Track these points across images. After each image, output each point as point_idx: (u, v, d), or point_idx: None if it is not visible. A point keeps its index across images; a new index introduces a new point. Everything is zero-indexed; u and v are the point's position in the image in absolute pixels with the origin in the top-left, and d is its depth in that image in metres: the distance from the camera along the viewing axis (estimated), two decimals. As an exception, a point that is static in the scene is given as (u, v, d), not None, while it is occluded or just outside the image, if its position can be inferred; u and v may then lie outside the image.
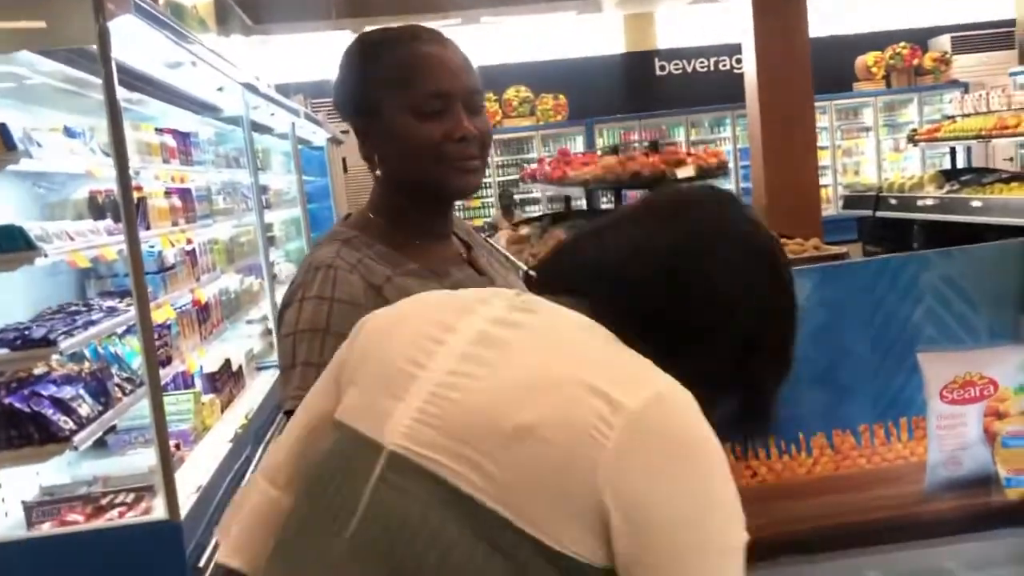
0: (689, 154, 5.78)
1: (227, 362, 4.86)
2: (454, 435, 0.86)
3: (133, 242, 3.00)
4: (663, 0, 12.12)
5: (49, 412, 2.98)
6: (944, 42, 13.22)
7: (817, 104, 12.58)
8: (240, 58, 6.48)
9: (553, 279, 1.02)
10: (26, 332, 3.05)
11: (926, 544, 1.39)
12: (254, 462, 4.47)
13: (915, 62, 13.07)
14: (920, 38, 13.29)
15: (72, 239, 3.26)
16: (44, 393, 3.05)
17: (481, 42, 12.41)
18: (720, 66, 12.96)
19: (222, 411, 4.49)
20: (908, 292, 1.35)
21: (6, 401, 2.97)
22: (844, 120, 13.09)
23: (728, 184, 12.84)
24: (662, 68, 13.12)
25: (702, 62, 13.16)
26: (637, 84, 12.99)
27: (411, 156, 1.35)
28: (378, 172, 1.42)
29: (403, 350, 0.96)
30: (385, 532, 0.86)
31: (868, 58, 13.04)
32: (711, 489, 0.85)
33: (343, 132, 10.81)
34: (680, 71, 13.17)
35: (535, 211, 11.20)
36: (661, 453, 0.83)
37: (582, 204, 7.55)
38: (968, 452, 1.39)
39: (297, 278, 1.38)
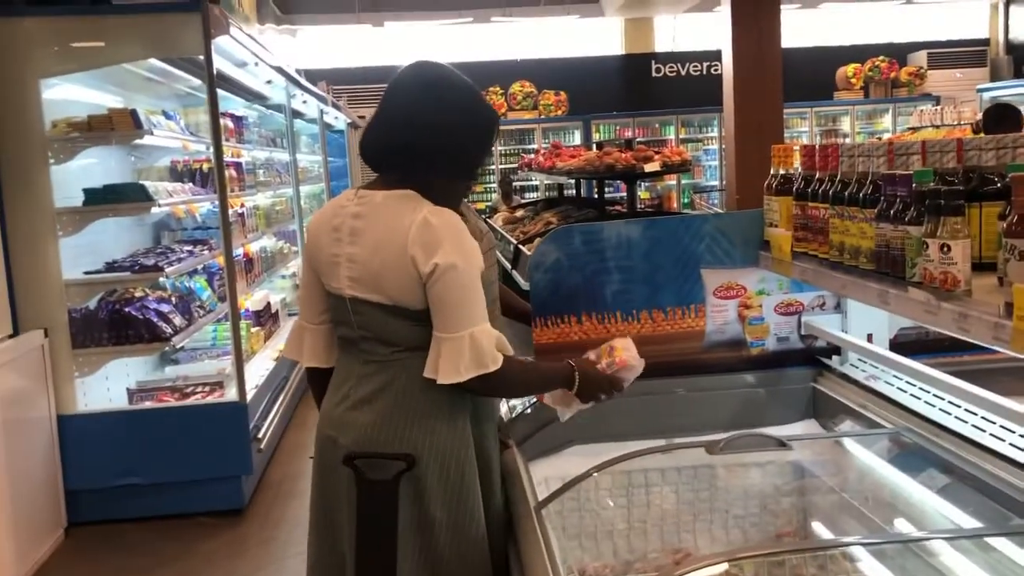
0: (656, 152, 6.85)
1: (268, 304, 5.98)
2: (363, 282, 1.86)
3: (223, 202, 4.13)
4: (661, 6, 13.13)
5: (155, 319, 4.11)
6: (921, 57, 14.25)
7: (799, 110, 13.77)
8: (272, 46, 7.56)
9: (373, 163, 1.93)
10: (139, 261, 4.18)
11: (705, 376, 2.51)
12: (291, 380, 5.60)
13: (892, 75, 14.11)
14: (899, 52, 14.33)
15: (171, 196, 4.37)
16: (150, 306, 4.18)
17: (490, 39, 13.53)
18: (712, 70, 13.97)
19: (264, 341, 5.62)
20: (697, 234, 2.46)
21: (125, 310, 4.10)
22: (824, 126, 14.16)
23: (713, 181, 13.97)
24: (658, 70, 14.18)
25: (695, 66, 14.20)
26: (634, 84, 14.05)
27: None
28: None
29: (327, 248, 1.91)
30: (362, 320, 1.90)
31: (848, 69, 14.08)
32: (464, 241, 1.82)
33: (360, 118, 11.91)
34: (675, 74, 14.22)
35: (533, 196, 12.26)
36: (435, 228, 1.79)
37: (575, 192, 8.61)
38: (729, 326, 2.51)
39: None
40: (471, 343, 1.80)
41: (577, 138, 13.28)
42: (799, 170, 2.25)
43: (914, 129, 11.57)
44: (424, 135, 1.86)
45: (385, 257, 1.83)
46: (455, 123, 1.88)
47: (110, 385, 4.46)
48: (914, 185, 1.68)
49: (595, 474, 2.08)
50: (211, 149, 5.31)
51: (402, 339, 1.88)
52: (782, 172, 2.33)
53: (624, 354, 2.03)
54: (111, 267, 4.25)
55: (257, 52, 5.20)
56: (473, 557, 1.91)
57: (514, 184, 11.48)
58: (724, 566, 1.69)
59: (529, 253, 5.50)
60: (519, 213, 8.34)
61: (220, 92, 5.64)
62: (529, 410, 2.50)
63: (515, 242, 6.09)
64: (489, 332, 1.84)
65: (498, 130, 2.02)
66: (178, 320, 4.24)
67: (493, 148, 2.12)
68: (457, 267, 1.79)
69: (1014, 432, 1.86)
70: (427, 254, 1.78)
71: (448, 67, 1.96)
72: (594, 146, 9.44)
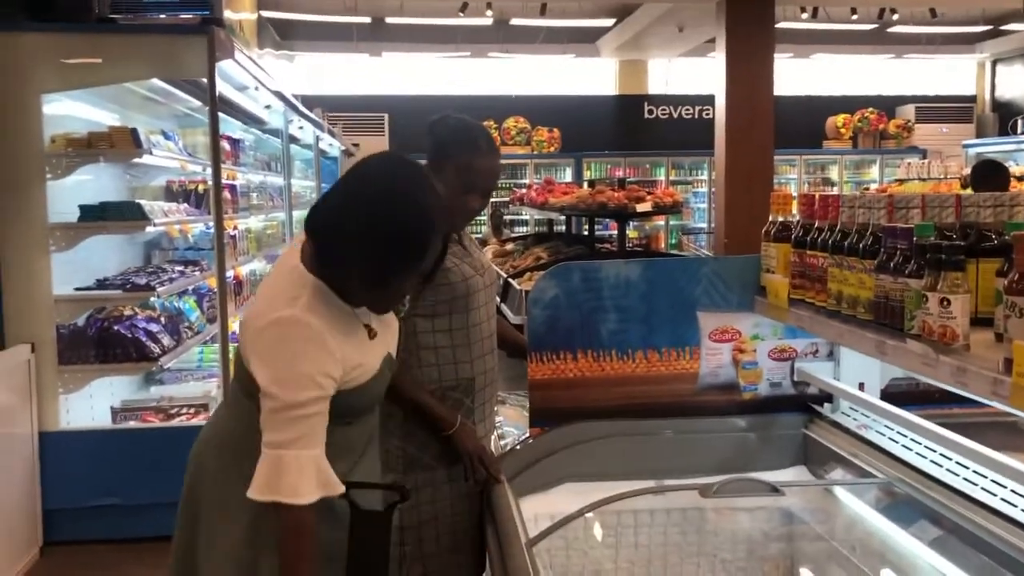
0: (648, 192, 6.90)
1: (255, 328, 5.95)
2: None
3: (218, 224, 4.12)
4: (655, 50, 13.31)
5: (143, 339, 4.09)
6: (909, 111, 14.48)
7: (788, 157, 13.92)
8: (270, 71, 7.59)
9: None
10: (131, 279, 4.16)
11: (696, 419, 2.52)
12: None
13: (881, 127, 14.31)
14: (887, 105, 14.56)
15: (166, 215, 4.37)
16: (139, 326, 4.16)
17: (487, 73, 13.66)
18: (703, 114, 14.11)
19: (250, 365, 5.58)
20: (694, 277, 2.48)
21: (114, 328, 4.07)
22: (812, 174, 14.32)
23: (701, 223, 14.09)
24: (650, 112, 14.33)
25: (687, 109, 14.36)
26: (626, 124, 14.19)
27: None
28: None
29: None
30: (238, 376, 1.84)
31: (838, 119, 14.28)
32: (292, 366, 1.67)
33: (354, 145, 11.95)
34: (667, 116, 14.38)
35: (523, 231, 12.31)
36: (270, 345, 1.70)
37: (564, 228, 8.65)
38: (723, 369, 2.53)
39: None
40: (276, 465, 1.67)
41: (569, 175, 13.37)
42: (797, 218, 2.28)
43: (901, 181, 11.73)
44: (334, 223, 1.73)
45: (243, 333, 1.82)
46: (357, 231, 1.69)
47: (93, 403, 4.41)
48: (915, 238, 1.70)
49: (587, 513, 2.08)
50: (208, 171, 5.35)
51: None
52: (780, 219, 2.35)
53: None
54: (102, 284, 4.23)
55: (259, 76, 5.23)
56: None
57: (505, 218, 11.53)
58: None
59: (518, 287, 5.55)
60: (509, 247, 8.39)
61: (220, 115, 5.69)
62: (519, 446, 2.50)
63: (505, 276, 6.11)
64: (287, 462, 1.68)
65: (408, 267, 1.74)
66: (167, 340, 4.21)
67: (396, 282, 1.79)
68: (272, 395, 1.68)
69: (1005, 487, 1.87)
70: (257, 367, 1.72)
71: (410, 181, 1.75)
72: (586, 184, 9.54)
